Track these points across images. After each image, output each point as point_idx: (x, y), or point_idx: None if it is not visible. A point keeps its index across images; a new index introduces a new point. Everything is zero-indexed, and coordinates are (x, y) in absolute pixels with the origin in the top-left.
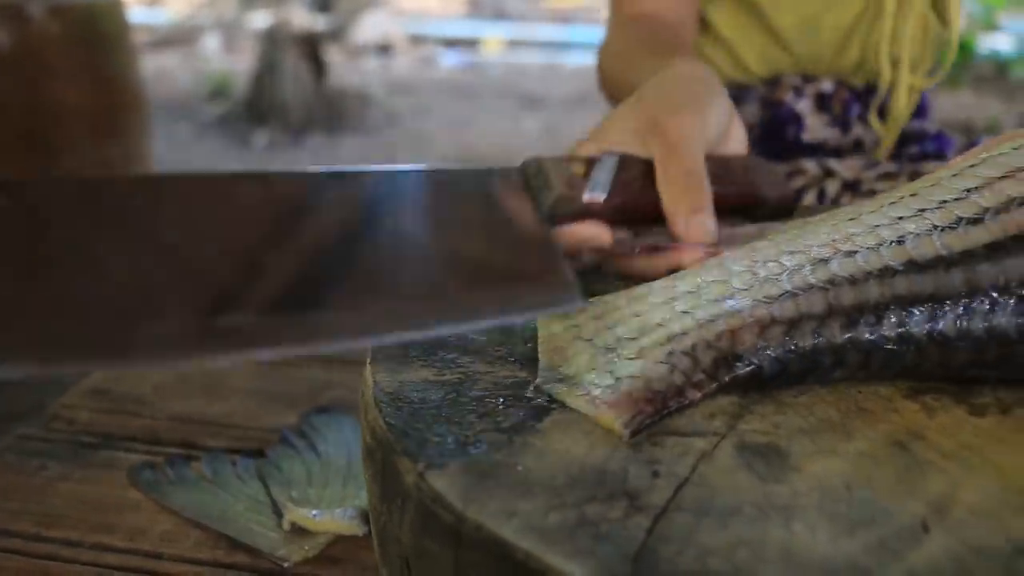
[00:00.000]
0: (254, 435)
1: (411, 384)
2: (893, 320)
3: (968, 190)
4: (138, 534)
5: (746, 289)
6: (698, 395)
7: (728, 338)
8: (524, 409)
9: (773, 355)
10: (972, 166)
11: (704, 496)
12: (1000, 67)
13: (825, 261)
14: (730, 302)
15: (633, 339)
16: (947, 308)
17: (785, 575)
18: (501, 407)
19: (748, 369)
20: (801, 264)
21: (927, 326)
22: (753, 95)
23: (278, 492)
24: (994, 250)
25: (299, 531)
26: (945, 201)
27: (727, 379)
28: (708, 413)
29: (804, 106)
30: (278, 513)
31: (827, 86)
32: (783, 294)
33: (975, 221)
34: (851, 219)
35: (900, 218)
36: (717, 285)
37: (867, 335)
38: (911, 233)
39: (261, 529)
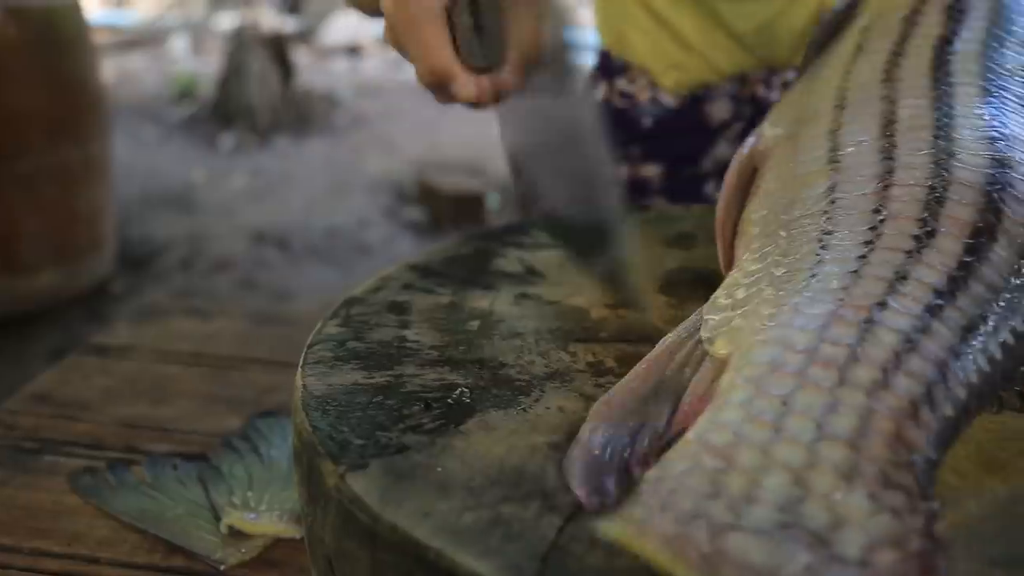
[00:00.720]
0: (197, 439)
1: (340, 387)
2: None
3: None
4: (75, 539)
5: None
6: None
7: (893, 439)
8: (449, 411)
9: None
10: None
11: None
12: None
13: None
14: (853, 400)
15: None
16: None
17: None
18: (426, 409)
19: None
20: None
21: None
22: (723, 92)
23: (218, 496)
24: None
25: (237, 534)
26: None
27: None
28: None
29: (776, 96)
30: (217, 517)
31: (792, 75)
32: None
33: None
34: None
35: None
36: (806, 392)
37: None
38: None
39: (199, 533)
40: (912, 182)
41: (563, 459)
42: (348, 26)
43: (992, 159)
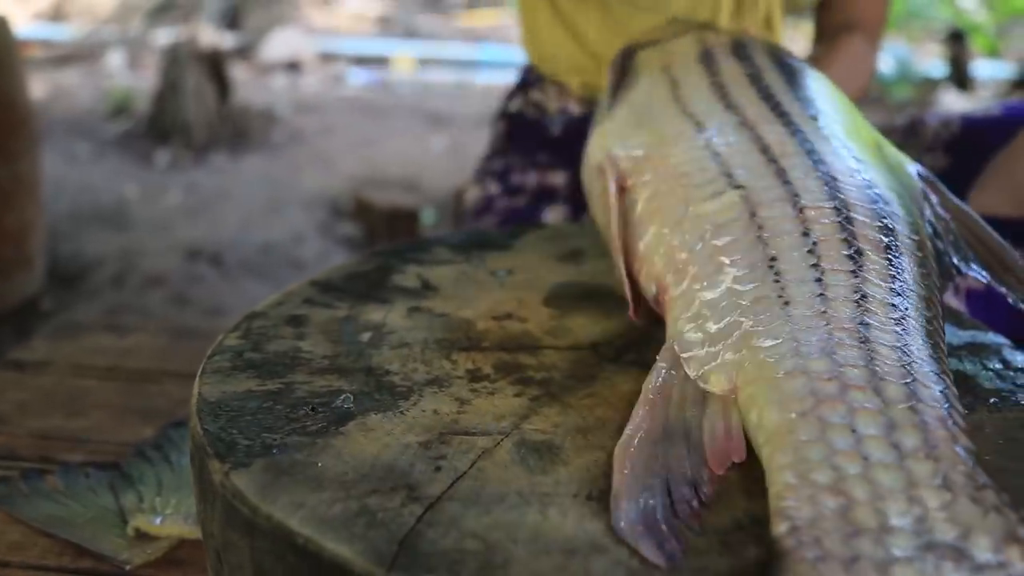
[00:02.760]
0: (111, 449)
1: (233, 394)
2: None
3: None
4: None
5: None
6: None
7: (952, 443)
8: (332, 414)
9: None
10: None
11: (477, 487)
12: (882, 88)
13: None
14: (903, 416)
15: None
16: None
17: (532, 553)
18: (311, 413)
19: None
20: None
21: None
22: None
23: (127, 501)
24: None
25: (143, 536)
26: None
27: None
28: (499, 414)
29: None
30: (125, 521)
31: None
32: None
33: None
34: None
35: None
36: (863, 416)
37: None
38: None
39: (106, 536)
40: (819, 204)
41: (614, 523)
42: (287, 42)
43: (860, 180)
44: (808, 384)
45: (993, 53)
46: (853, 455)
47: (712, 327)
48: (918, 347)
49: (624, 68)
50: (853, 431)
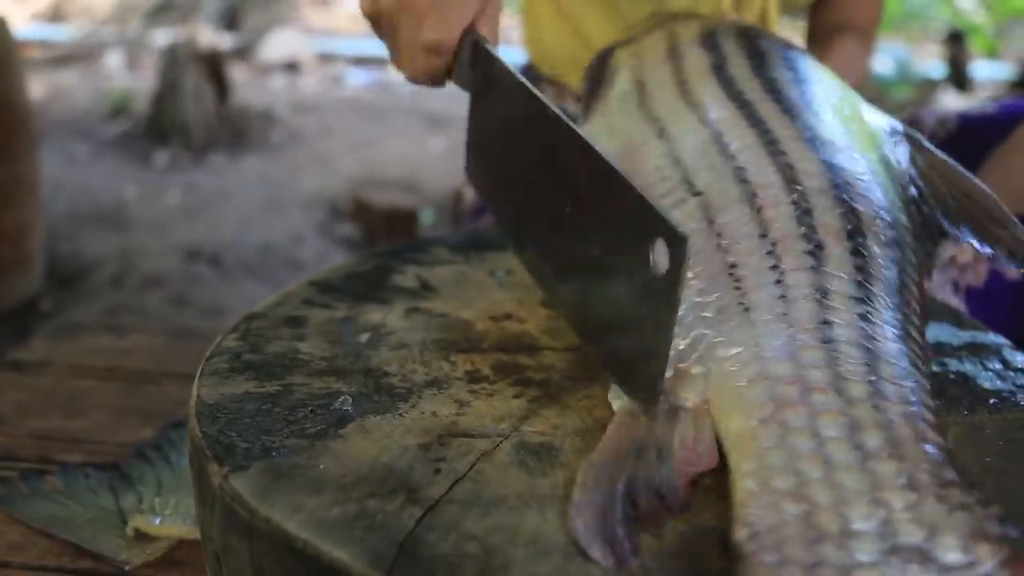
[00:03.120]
0: (110, 449)
1: (231, 396)
2: None
3: None
4: None
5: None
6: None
7: (916, 441)
8: (330, 416)
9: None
10: None
11: (476, 490)
12: (881, 89)
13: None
14: (866, 415)
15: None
16: None
17: (532, 556)
18: (310, 415)
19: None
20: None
21: None
22: None
23: (126, 502)
24: None
25: (143, 537)
26: None
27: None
28: (498, 416)
29: None
30: (124, 521)
31: None
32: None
33: None
34: None
35: None
36: (825, 419)
37: None
38: None
39: (106, 536)
40: (775, 201)
41: (570, 524)
42: (286, 43)
43: (823, 163)
44: (769, 389)
45: (992, 54)
46: (815, 459)
47: (680, 343)
48: (884, 340)
49: (599, 72)
50: (815, 434)
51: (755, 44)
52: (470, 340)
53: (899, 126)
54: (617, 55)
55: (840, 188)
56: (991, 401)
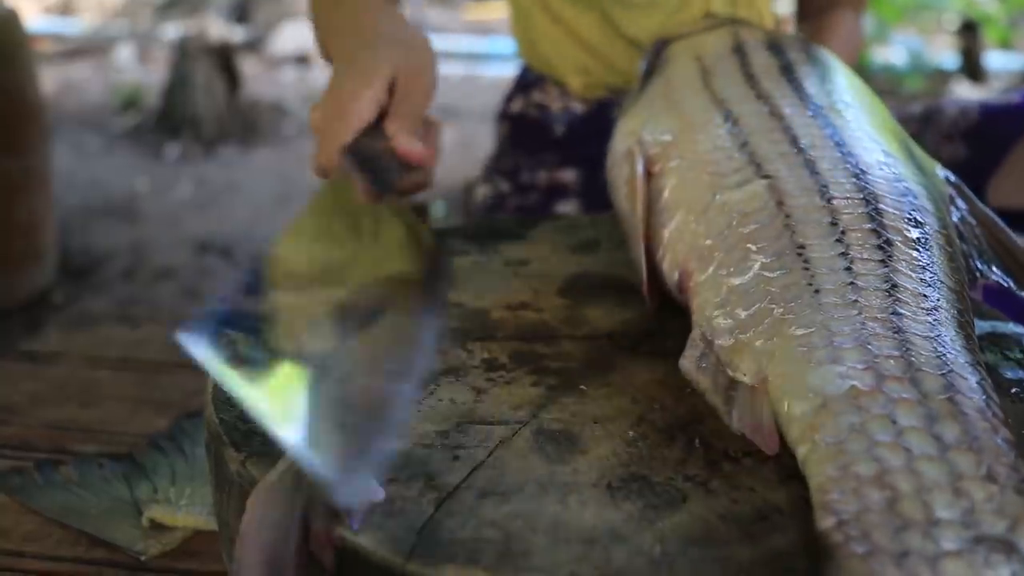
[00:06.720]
0: (124, 440)
1: None
2: None
3: None
4: (1, 535)
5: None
6: None
7: (992, 433)
8: None
9: None
10: None
11: (495, 476)
12: (894, 80)
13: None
14: (943, 407)
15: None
16: None
17: (552, 542)
18: None
19: None
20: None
21: None
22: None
23: (141, 492)
24: None
25: (158, 527)
26: None
27: None
28: (516, 404)
29: None
30: (140, 512)
31: None
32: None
33: None
34: None
35: None
36: (902, 407)
37: None
38: None
39: (121, 526)
40: (847, 195)
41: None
42: (297, 36)
43: (891, 172)
44: (844, 374)
45: (1005, 44)
46: (895, 447)
47: (742, 313)
48: (951, 338)
49: (656, 57)
50: (893, 422)
51: (818, 57)
52: (486, 329)
53: (946, 172)
54: (675, 46)
55: (907, 198)
56: (1012, 391)
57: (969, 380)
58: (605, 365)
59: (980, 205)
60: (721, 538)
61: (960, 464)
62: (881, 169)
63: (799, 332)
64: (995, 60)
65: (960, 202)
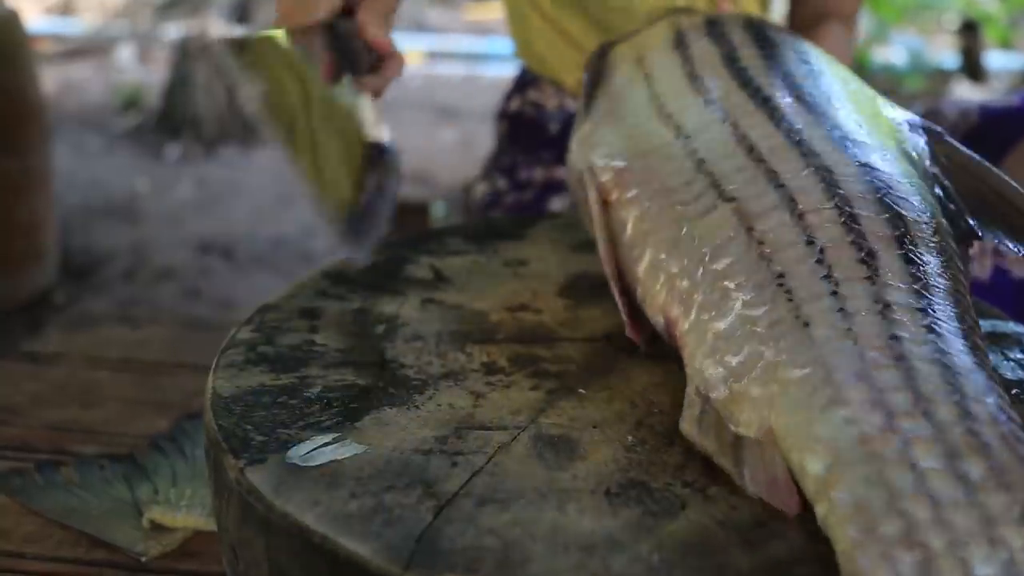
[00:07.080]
0: (125, 441)
1: (247, 389)
2: None
3: None
4: (2, 536)
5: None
6: None
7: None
8: (346, 410)
9: None
10: None
11: (494, 483)
12: (894, 80)
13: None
14: (961, 440)
15: None
16: None
17: (551, 550)
18: (326, 408)
19: None
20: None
21: None
22: None
23: (142, 493)
24: None
25: (159, 528)
26: None
27: None
28: (515, 408)
29: None
30: (140, 513)
31: None
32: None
33: None
34: None
35: None
36: (919, 447)
37: None
38: None
39: (122, 527)
40: (819, 206)
41: None
42: None
43: (859, 165)
44: (851, 418)
45: (1006, 44)
46: (919, 497)
47: (732, 360)
48: (957, 354)
49: (599, 67)
50: (912, 467)
51: (764, 34)
52: (485, 331)
53: (917, 120)
54: (617, 49)
55: (881, 191)
56: (1013, 391)
57: (984, 402)
58: (604, 368)
59: (962, 150)
60: (720, 545)
61: (991, 506)
62: (848, 164)
63: (796, 374)
64: (995, 60)
65: (940, 152)
